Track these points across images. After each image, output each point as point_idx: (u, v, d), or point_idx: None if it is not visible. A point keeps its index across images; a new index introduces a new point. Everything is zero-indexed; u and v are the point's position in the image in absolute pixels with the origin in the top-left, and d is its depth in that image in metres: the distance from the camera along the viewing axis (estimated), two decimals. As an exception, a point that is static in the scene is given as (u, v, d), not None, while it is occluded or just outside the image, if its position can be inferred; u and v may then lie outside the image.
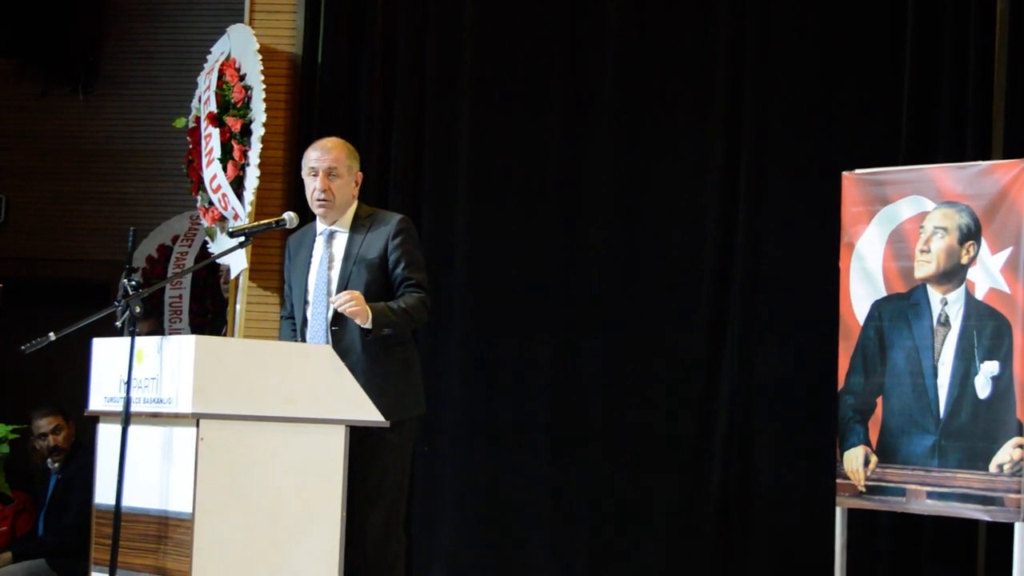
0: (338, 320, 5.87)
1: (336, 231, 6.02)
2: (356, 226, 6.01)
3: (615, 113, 8.22)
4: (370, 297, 5.81)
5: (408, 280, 5.94)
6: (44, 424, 8.42)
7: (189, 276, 10.23)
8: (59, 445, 8.38)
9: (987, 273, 6.59)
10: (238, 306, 8.20)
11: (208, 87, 8.27)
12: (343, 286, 5.89)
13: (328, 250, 6.00)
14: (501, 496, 8.11)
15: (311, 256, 6.04)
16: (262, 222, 6.08)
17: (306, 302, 6.00)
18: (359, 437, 5.60)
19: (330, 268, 5.98)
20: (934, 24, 7.89)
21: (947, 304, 6.72)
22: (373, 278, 5.91)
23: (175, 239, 10.52)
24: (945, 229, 6.75)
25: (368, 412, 5.53)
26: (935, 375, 6.71)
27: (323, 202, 5.96)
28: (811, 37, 8.12)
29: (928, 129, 7.86)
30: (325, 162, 5.97)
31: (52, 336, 5.33)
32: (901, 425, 6.79)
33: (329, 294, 5.93)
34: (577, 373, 8.13)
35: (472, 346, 8.18)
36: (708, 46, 8.19)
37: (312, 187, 5.98)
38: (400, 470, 5.98)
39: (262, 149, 7.99)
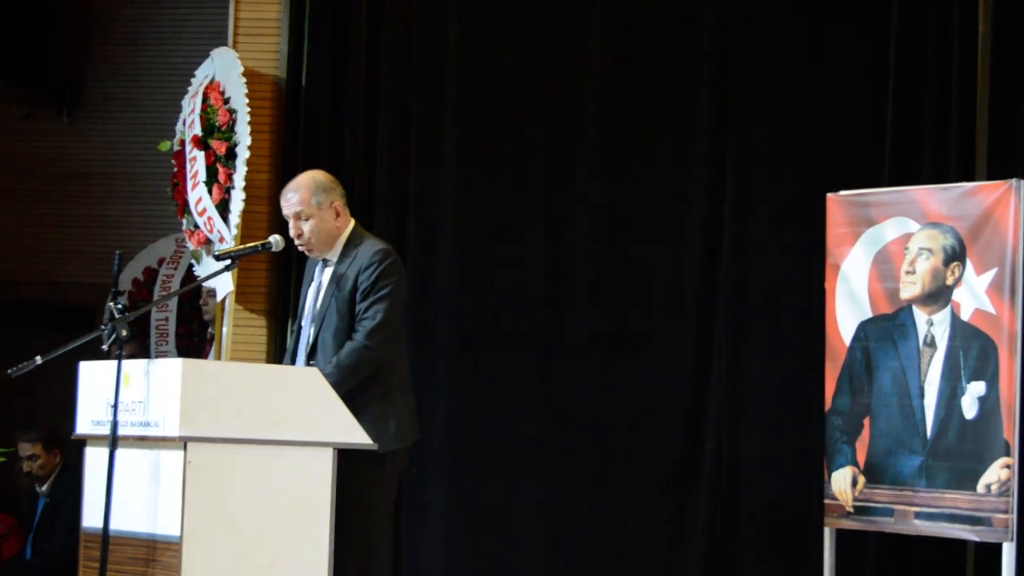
0: (314, 352, 5.89)
1: (328, 259, 6.00)
2: (343, 256, 5.97)
3: (600, 134, 8.24)
4: (341, 331, 5.82)
5: (362, 318, 5.83)
6: (25, 449, 8.41)
7: (175, 299, 10.23)
8: (33, 472, 8.36)
9: (972, 294, 6.61)
10: (224, 329, 8.18)
11: (192, 110, 8.27)
12: (321, 318, 5.90)
13: (320, 278, 6.00)
14: (489, 516, 8.10)
15: (313, 279, 6.04)
16: (248, 245, 6.10)
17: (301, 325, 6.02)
18: (341, 461, 5.56)
19: (317, 297, 5.98)
20: (917, 46, 7.93)
21: (933, 325, 6.74)
22: (344, 312, 5.87)
23: (161, 262, 10.51)
24: (930, 250, 6.76)
25: (356, 435, 5.52)
26: (922, 396, 6.72)
27: (302, 246, 5.97)
28: (795, 58, 8.15)
29: (912, 150, 7.89)
30: (290, 208, 5.93)
31: (38, 359, 5.31)
32: (888, 446, 6.80)
33: (312, 321, 5.94)
34: (564, 392, 8.13)
35: (458, 366, 8.18)
36: (692, 67, 8.21)
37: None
38: (384, 495, 5.95)
39: (247, 172, 7.99)
